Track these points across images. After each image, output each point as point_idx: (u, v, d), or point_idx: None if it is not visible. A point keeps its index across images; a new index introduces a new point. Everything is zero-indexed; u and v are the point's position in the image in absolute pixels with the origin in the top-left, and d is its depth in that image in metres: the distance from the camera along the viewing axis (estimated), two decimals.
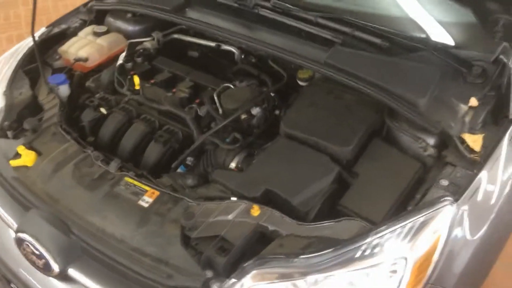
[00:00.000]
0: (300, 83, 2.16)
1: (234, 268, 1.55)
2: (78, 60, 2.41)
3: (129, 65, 2.37)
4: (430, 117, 1.79)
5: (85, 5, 2.74)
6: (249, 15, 2.32)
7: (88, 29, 2.60)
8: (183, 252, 1.56)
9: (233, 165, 1.89)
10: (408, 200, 1.69)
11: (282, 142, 1.85)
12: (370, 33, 2.05)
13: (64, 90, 2.30)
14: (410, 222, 1.53)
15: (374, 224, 1.60)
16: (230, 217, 1.64)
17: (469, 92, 1.89)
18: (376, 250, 1.49)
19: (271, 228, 1.62)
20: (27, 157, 1.89)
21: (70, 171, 1.81)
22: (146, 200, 1.69)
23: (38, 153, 1.90)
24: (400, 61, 1.96)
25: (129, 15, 2.62)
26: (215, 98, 2.09)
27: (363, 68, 1.92)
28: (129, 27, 2.60)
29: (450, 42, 2.03)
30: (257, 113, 2.04)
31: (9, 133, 2.07)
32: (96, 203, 1.71)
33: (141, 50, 2.43)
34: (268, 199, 1.71)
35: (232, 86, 2.13)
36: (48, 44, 2.53)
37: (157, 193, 1.70)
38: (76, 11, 2.73)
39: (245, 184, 1.74)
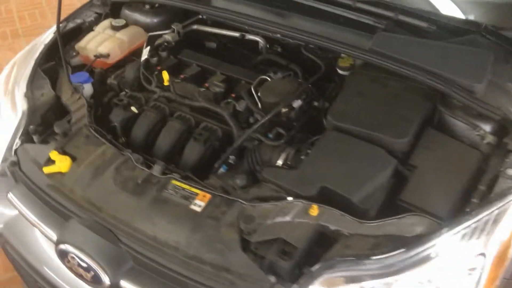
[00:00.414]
0: (341, 72, 2.06)
1: (298, 272, 1.47)
2: (99, 56, 2.28)
3: (154, 60, 2.25)
4: (487, 103, 1.71)
5: None
6: (279, 2, 2.21)
7: (105, 23, 2.46)
8: (244, 257, 1.47)
9: (280, 162, 1.79)
10: (471, 192, 1.61)
11: (333, 136, 1.76)
12: (414, 16, 1.96)
13: (88, 89, 2.18)
14: (484, 216, 1.45)
15: (439, 218, 1.52)
16: (288, 218, 1.55)
17: None
18: (451, 248, 1.41)
19: (332, 227, 1.53)
20: (62, 163, 1.77)
21: (111, 176, 1.70)
22: (198, 204, 1.58)
23: (73, 158, 1.78)
24: (450, 45, 1.87)
25: (147, 6, 2.50)
26: (253, 91, 1.98)
27: (412, 54, 1.82)
28: (148, 19, 2.48)
29: (497, 23, 1.94)
30: (298, 106, 1.93)
31: (35, 138, 1.95)
32: (144, 209, 1.60)
33: (165, 44, 2.31)
34: (324, 198, 1.62)
35: (268, 79, 2.02)
36: (64, 41, 2.39)
37: (208, 196, 1.60)
38: (89, 4, 2.59)
39: (299, 183, 1.64)
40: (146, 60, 2.23)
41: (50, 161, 1.80)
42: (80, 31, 2.46)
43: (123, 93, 2.21)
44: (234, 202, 1.59)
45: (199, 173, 1.81)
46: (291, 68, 2.23)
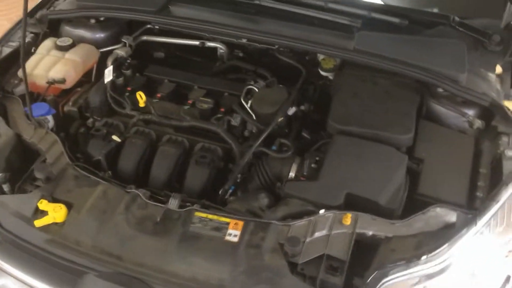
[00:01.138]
0: (323, 73, 2.05)
1: (351, 285, 1.45)
2: (53, 82, 2.03)
3: (120, 80, 2.06)
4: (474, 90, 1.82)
5: (31, 15, 2.30)
6: (247, 7, 2.14)
7: (48, 44, 2.19)
8: (297, 281, 1.42)
9: (292, 174, 1.75)
10: (475, 176, 1.71)
11: (342, 141, 1.75)
12: (386, 13, 2.01)
13: (50, 121, 1.93)
14: (507, 199, 1.54)
15: (460, 206, 1.60)
16: (325, 231, 1.52)
17: (493, 60, 1.95)
18: (486, 233, 1.49)
19: (368, 233, 1.54)
20: (56, 213, 1.55)
21: (122, 219, 1.53)
22: (233, 234, 1.49)
23: (67, 205, 1.57)
24: (427, 39, 1.96)
25: (92, 21, 2.27)
26: (244, 103, 1.90)
27: (396, 50, 1.88)
28: (96, 35, 2.26)
29: (461, 12, 2.07)
30: (293, 113, 1.90)
31: (6, 187, 1.69)
32: (174, 250, 1.47)
33: (128, 61, 2.12)
34: (351, 204, 1.61)
35: (255, 88, 1.95)
36: (1, 68, 2.09)
37: (240, 223, 1.51)
38: (18, 24, 2.28)
39: (324, 193, 1.62)
40: (112, 81, 2.03)
41: (40, 212, 1.58)
42: (17, 56, 2.16)
43: (90, 120, 2.00)
44: (268, 225, 1.52)
45: (206, 197, 1.71)
46: (259, 73, 2.19)
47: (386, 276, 1.42)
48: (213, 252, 1.46)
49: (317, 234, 1.51)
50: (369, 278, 1.42)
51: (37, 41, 2.23)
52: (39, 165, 1.65)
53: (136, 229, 1.51)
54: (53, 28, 2.28)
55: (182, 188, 1.76)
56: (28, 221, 1.57)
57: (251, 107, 1.89)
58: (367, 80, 1.94)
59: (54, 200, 1.58)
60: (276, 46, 2.14)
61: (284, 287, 1.41)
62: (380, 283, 1.41)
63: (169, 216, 1.54)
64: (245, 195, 1.71)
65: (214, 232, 1.49)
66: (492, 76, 1.92)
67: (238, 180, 1.79)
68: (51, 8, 2.34)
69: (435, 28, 2.01)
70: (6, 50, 2.15)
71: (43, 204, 1.57)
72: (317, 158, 1.76)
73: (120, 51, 2.23)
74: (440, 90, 1.89)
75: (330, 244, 1.49)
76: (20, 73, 2.07)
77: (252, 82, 2.06)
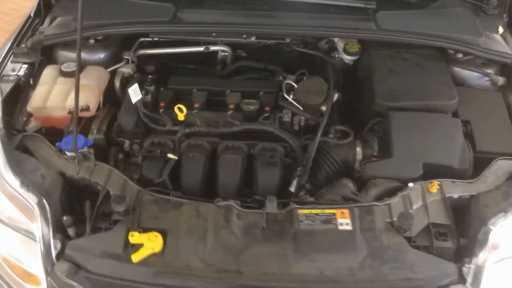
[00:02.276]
0: (348, 57, 2.10)
1: (459, 248, 1.51)
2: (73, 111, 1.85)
3: (149, 97, 1.94)
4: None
5: (18, 45, 2.08)
6: (257, 4, 2.12)
7: (50, 72, 2.01)
8: (420, 253, 1.45)
9: (359, 157, 1.78)
10: None
11: (398, 116, 1.81)
12: None
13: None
14: None
15: None
16: (420, 202, 1.57)
17: (494, 22, 2.13)
18: None
19: (454, 196, 1.61)
20: (152, 242, 1.43)
21: (228, 232, 1.46)
22: (344, 223, 1.48)
23: (161, 232, 1.46)
24: (437, 11, 2.09)
25: (91, 41, 2.11)
26: (289, 98, 1.89)
27: (416, 25, 1.98)
28: (97, 55, 2.12)
29: None
30: (336, 99, 1.93)
31: (71, 231, 1.53)
32: (293, 250, 1.42)
33: (149, 77, 2.01)
34: (428, 173, 1.68)
35: (293, 83, 1.94)
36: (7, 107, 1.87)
37: (346, 211, 1.51)
38: (7, 56, 2.06)
39: (403, 167, 1.68)
40: (141, 100, 1.90)
41: (131, 247, 1.45)
42: (19, 90, 1.96)
43: (126, 144, 1.87)
44: (371, 207, 1.53)
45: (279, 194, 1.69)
46: (270, 69, 2.19)
47: (491, 230, 1.50)
48: (333, 244, 1.44)
49: (415, 207, 1.56)
50: (476, 235, 1.49)
51: (33, 71, 2.02)
52: (115, 198, 1.51)
53: (246, 239, 1.45)
54: (50, 55, 2.09)
55: (255, 191, 1.71)
56: (120, 258, 1.43)
57: (296, 100, 1.88)
58: (395, 57, 2.02)
59: (145, 230, 1.46)
60: (289, 40, 2.15)
61: (409, 261, 1.44)
62: (488, 237, 1.48)
63: (273, 219, 1.49)
64: (330, 185, 1.70)
65: (325, 225, 1.47)
66: (498, 37, 2.09)
67: (299, 172, 1.77)
68: (37, 34, 2.14)
69: (439, 0, 2.14)
70: (4, 86, 1.93)
71: (135, 237, 1.44)
72: (374, 137, 1.81)
73: (125, 69, 2.11)
74: (459, 55, 2.03)
75: (430, 213, 1.54)
76: (31, 108, 1.88)
77: (280, 77, 2.05)
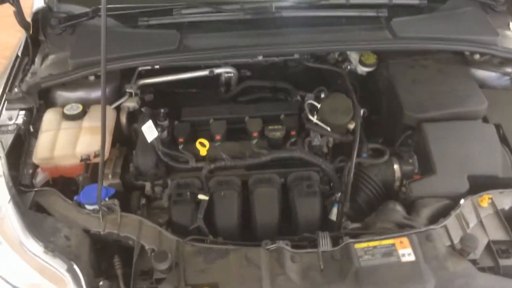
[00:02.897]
0: (365, 69, 2.01)
1: None
2: (88, 158, 1.71)
3: (165, 134, 1.81)
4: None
5: (10, 89, 1.91)
6: (263, 22, 2.01)
7: (52, 117, 1.85)
8: (488, 276, 1.39)
9: (398, 175, 1.69)
10: None
11: (431, 128, 1.73)
12: None
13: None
14: None
15: None
16: (475, 219, 1.50)
17: (504, 19, 2.09)
18: None
19: (506, 207, 1.55)
20: None
21: (284, 279, 1.34)
22: (406, 253, 1.39)
23: (212, 286, 1.34)
24: (449, 13, 2.03)
25: (91, 78, 1.95)
26: (316, 120, 1.78)
27: (432, 29, 1.92)
28: (99, 92, 1.94)
29: None
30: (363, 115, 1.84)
31: None
32: None
33: (161, 111, 1.87)
34: (474, 185, 1.61)
35: (315, 103, 1.84)
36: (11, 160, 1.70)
37: (404, 239, 1.42)
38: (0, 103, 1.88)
39: (449, 183, 1.60)
40: (158, 137, 1.77)
41: None
42: (20, 141, 1.79)
43: (148, 188, 1.73)
44: (429, 232, 1.45)
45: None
46: (279, 87, 2.10)
47: None
48: (400, 278, 1.35)
49: (471, 225, 1.48)
50: None
51: (32, 118, 1.85)
52: (157, 256, 1.36)
53: (306, 284, 1.34)
54: (43, 98, 1.92)
55: (295, 225, 1.60)
56: None
57: (321, 121, 1.78)
58: (415, 65, 1.94)
59: (194, 286, 1.33)
60: (296, 56, 2.06)
61: (480, 287, 1.36)
62: None
63: (329, 258, 1.39)
64: (378, 211, 1.60)
65: (386, 258, 1.38)
66: (509, 34, 2.05)
67: (337, 199, 1.68)
68: (29, 75, 1.97)
69: (448, 0, 2.08)
70: (4, 138, 1.75)
71: None
72: (411, 153, 1.73)
73: (130, 103, 1.97)
74: (476, 56, 1.97)
75: (487, 230, 1.47)
76: (37, 159, 1.72)
77: (298, 97, 1.96)
